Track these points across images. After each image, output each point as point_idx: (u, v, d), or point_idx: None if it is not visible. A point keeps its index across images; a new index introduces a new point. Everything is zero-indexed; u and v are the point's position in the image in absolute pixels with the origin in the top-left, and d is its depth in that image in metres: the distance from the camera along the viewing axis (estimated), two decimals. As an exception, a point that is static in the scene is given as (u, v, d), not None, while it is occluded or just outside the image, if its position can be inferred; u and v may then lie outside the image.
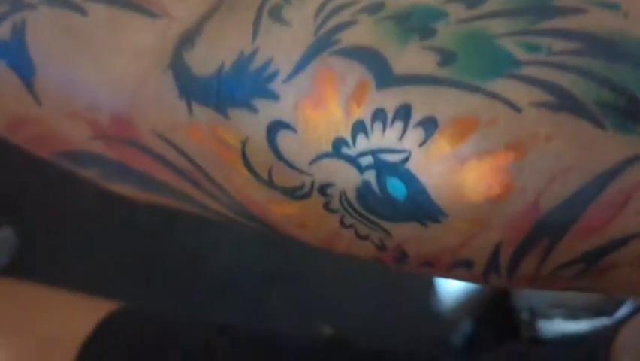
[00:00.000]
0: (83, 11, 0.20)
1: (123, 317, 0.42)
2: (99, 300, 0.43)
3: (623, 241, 0.13)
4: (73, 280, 0.43)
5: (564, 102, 0.13)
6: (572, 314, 0.34)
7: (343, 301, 0.69)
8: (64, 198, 0.66)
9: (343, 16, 0.16)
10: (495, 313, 0.48)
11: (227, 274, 0.66)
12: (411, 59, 0.14)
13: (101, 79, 0.20)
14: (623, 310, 0.30)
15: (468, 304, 0.51)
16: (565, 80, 0.13)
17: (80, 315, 0.42)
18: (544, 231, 0.14)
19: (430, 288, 0.57)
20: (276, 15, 0.17)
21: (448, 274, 0.17)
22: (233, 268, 0.67)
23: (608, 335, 0.31)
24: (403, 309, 0.68)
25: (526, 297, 0.39)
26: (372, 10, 0.15)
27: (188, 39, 0.19)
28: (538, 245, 0.14)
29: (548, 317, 0.37)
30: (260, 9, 0.17)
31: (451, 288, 0.53)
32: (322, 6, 0.16)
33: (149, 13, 0.20)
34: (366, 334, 0.64)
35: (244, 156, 0.17)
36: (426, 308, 0.61)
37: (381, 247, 0.17)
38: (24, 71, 0.20)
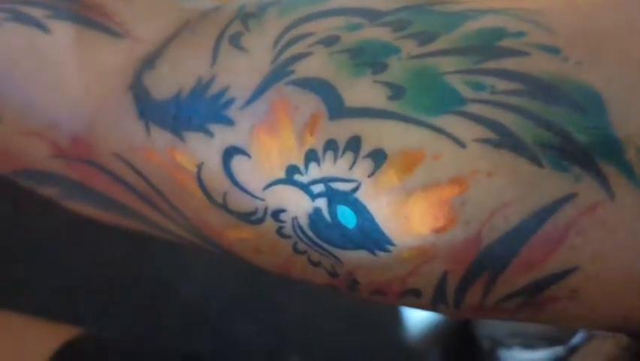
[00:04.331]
0: (46, 29, 0.20)
1: (83, 343, 0.41)
2: (60, 326, 0.42)
3: (561, 275, 0.14)
4: (36, 308, 0.43)
5: (505, 140, 0.14)
6: (529, 343, 0.35)
7: (311, 330, 0.68)
8: (32, 227, 0.64)
9: (300, 47, 0.16)
10: (460, 343, 0.48)
11: (196, 301, 0.65)
12: (362, 92, 0.15)
13: (61, 98, 0.20)
14: (576, 339, 0.30)
15: (434, 334, 0.51)
16: (506, 118, 0.14)
17: (40, 340, 0.41)
18: (486, 263, 0.14)
19: (396, 318, 0.58)
20: (236, 42, 0.17)
21: (399, 302, 0.17)
22: (203, 296, 0.66)
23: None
24: (369, 339, 0.68)
25: (487, 326, 0.39)
26: (328, 42, 0.16)
27: (149, 61, 0.19)
28: (481, 277, 0.15)
29: (508, 346, 0.37)
30: (220, 35, 0.18)
31: (417, 318, 0.53)
32: (281, 36, 0.17)
33: (114, 34, 0.20)
34: (333, 363, 0.64)
35: (199, 179, 0.17)
36: (393, 338, 0.61)
37: (333, 274, 0.17)
38: None
